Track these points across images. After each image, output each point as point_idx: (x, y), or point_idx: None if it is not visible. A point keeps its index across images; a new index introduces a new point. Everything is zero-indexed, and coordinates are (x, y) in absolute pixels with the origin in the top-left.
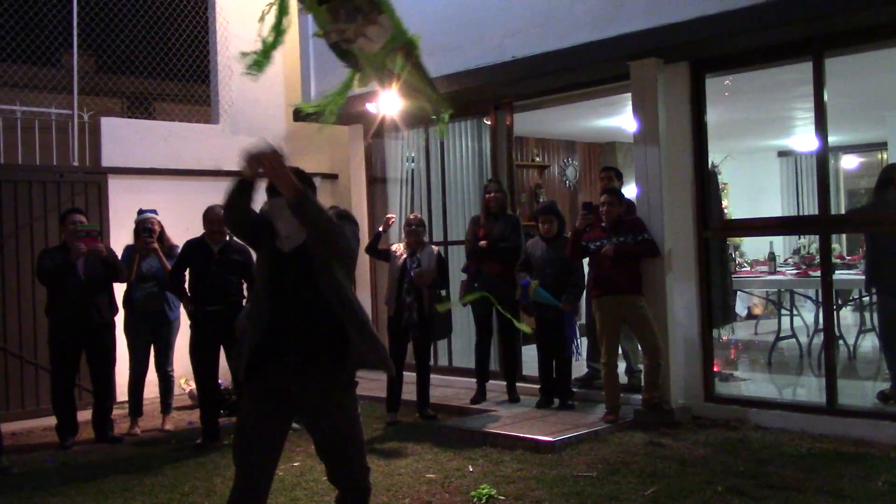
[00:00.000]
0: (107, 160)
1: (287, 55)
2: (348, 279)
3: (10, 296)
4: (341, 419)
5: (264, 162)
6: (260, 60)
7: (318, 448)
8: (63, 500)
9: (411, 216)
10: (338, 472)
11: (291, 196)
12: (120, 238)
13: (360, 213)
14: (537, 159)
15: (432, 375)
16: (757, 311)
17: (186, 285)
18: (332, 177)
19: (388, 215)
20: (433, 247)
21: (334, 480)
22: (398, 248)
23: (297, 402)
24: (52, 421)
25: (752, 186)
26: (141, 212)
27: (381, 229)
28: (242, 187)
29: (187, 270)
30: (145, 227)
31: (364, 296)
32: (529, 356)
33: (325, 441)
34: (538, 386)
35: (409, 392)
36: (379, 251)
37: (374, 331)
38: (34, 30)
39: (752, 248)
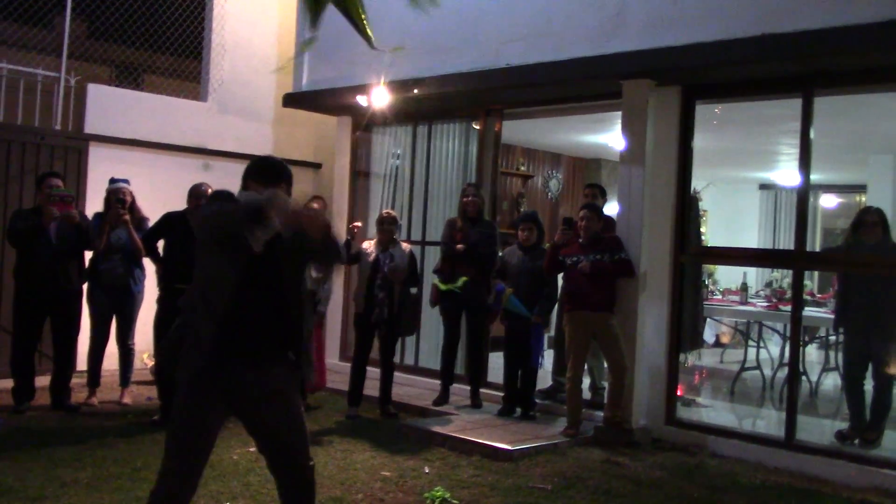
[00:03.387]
0: (90, 127)
1: (282, 40)
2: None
3: None
4: (290, 416)
5: (307, 226)
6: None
7: (262, 446)
8: (12, 464)
9: (384, 213)
10: (283, 469)
11: (323, 243)
12: (96, 206)
13: (342, 204)
14: (522, 168)
15: (397, 374)
16: (725, 339)
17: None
18: (315, 165)
19: (354, 223)
20: (405, 245)
21: (279, 478)
22: (369, 245)
23: (246, 396)
24: (8, 383)
25: (731, 216)
26: (113, 181)
27: (348, 237)
28: (255, 224)
29: (160, 243)
30: (118, 198)
31: (336, 292)
32: (496, 363)
33: (270, 438)
34: (502, 394)
35: (372, 388)
36: (351, 257)
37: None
38: None
39: (726, 276)
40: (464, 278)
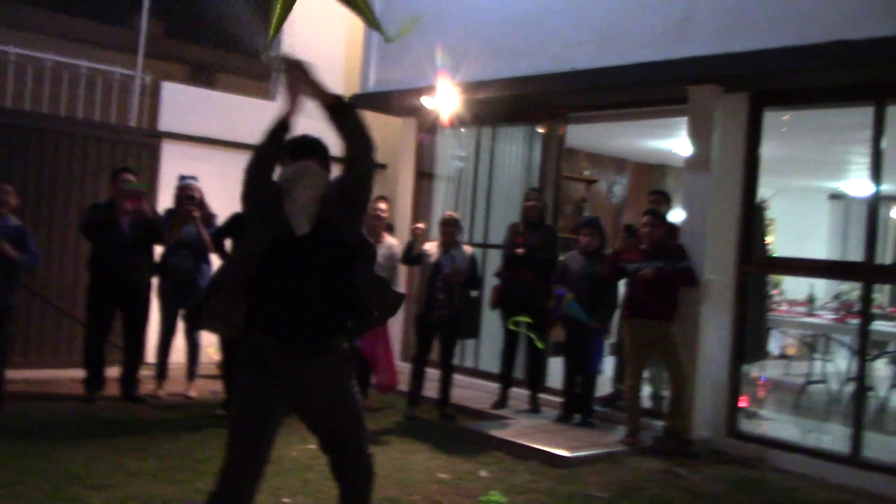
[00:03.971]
0: (163, 124)
1: (350, 41)
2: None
3: (56, 247)
4: (346, 406)
5: (301, 70)
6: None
7: (322, 440)
8: (80, 452)
9: (447, 215)
10: (342, 461)
11: (330, 99)
12: (168, 202)
13: (405, 205)
14: (586, 173)
15: (457, 376)
16: (790, 351)
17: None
18: (381, 166)
19: (417, 225)
20: (467, 247)
21: (338, 470)
22: (431, 246)
23: (299, 391)
24: (80, 373)
25: (800, 226)
26: (182, 178)
27: (411, 239)
28: (279, 131)
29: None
30: (187, 194)
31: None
32: (556, 368)
33: (329, 431)
34: (561, 399)
35: (431, 389)
36: (413, 257)
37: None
38: None
39: (793, 287)
40: (525, 318)
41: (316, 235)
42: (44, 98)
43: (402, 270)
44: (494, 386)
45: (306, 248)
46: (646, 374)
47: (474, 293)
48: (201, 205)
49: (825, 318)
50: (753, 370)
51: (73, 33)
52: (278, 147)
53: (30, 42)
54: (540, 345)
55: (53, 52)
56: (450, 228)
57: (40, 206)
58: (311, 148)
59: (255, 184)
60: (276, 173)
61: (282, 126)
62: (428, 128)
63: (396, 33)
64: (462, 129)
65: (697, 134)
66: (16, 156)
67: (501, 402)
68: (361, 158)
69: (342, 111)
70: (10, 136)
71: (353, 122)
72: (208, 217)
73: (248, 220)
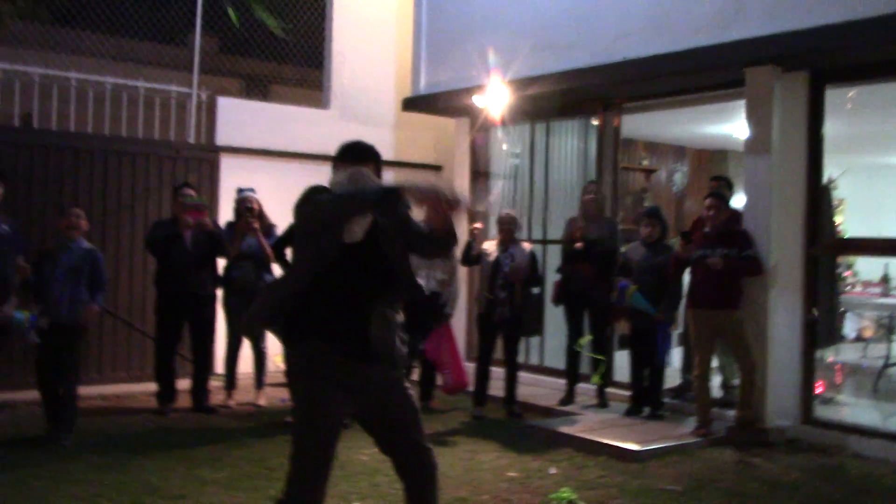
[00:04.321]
0: (221, 138)
1: (399, 45)
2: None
3: (123, 264)
4: (406, 405)
5: (443, 206)
6: None
7: (380, 441)
8: (155, 463)
9: (504, 213)
10: (404, 459)
11: (446, 236)
12: (228, 215)
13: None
14: (645, 163)
15: (522, 374)
16: (867, 333)
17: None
18: (436, 167)
19: (475, 225)
20: (526, 244)
21: (401, 468)
22: (490, 245)
23: (357, 394)
24: (153, 387)
25: (872, 204)
26: (240, 190)
27: (470, 239)
28: (391, 204)
29: (288, 251)
30: (246, 206)
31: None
32: (622, 362)
33: (390, 428)
34: (629, 393)
35: (497, 388)
36: (473, 258)
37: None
38: (161, 9)
39: (867, 268)
40: (588, 337)
41: (369, 243)
42: (105, 120)
43: (463, 271)
44: (561, 382)
45: (360, 255)
46: (715, 363)
47: (536, 290)
48: (260, 216)
49: None
50: (828, 355)
51: (131, 54)
52: (376, 213)
53: (89, 66)
54: (601, 369)
55: (112, 74)
56: (507, 226)
57: (106, 226)
58: (366, 154)
59: (334, 222)
60: (329, 178)
61: (400, 202)
62: (481, 127)
63: None
64: (515, 126)
65: (756, 117)
66: (81, 178)
67: (568, 397)
68: (432, 255)
69: (443, 240)
70: (75, 159)
71: (445, 244)
72: (268, 227)
73: (308, 235)
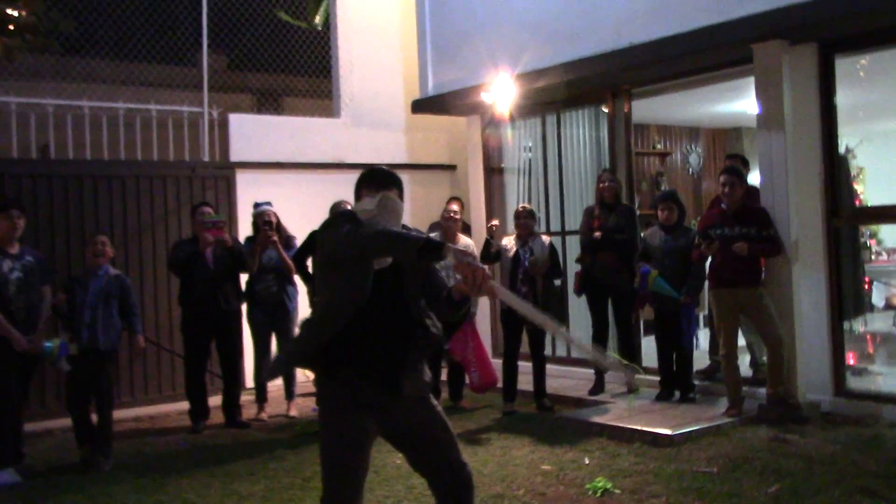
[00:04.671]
0: (235, 155)
1: (406, 48)
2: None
3: (148, 286)
4: (436, 423)
5: (476, 278)
6: None
7: (414, 461)
8: (193, 481)
9: (520, 207)
10: (441, 477)
11: (460, 304)
12: (247, 229)
13: (478, 202)
14: (658, 146)
15: (551, 366)
16: None
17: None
18: (450, 167)
19: (492, 222)
20: (544, 237)
21: (438, 487)
22: (509, 241)
23: (394, 419)
24: (185, 405)
25: (892, 170)
26: (257, 205)
27: (488, 237)
28: (430, 255)
29: (309, 261)
30: (264, 220)
31: None
32: (650, 347)
33: (423, 452)
34: (658, 378)
35: (526, 382)
36: (493, 255)
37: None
38: (168, 31)
39: (892, 235)
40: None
41: (395, 269)
42: (120, 145)
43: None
44: (589, 372)
45: (388, 282)
46: (742, 342)
47: (557, 282)
48: (279, 228)
49: None
50: (857, 325)
51: (141, 78)
52: (411, 258)
53: (101, 93)
54: (635, 392)
55: (124, 99)
56: (524, 220)
57: (129, 250)
58: (392, 180)
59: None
60: (355, 203)
61: (437, 254)
62: (492, 123)
63: None
64: (526, 120)
65: (767, 92)
66: (101, 204)
67: (598, 387)
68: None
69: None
70: (94, 186)
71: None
72: (287, 239)
73: (329, 263)
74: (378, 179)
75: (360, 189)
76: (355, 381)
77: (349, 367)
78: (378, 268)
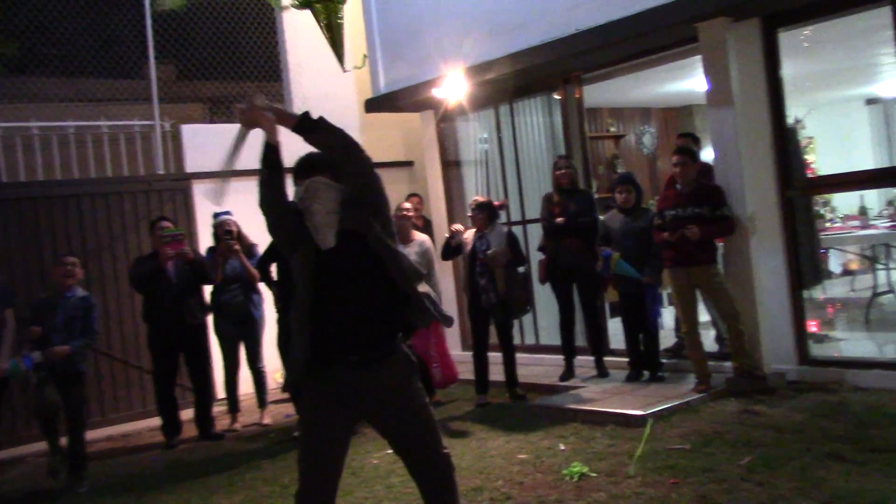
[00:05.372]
0: (190, 166)
1: (355, 47)
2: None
3: (111, 305)
4: (414, 409)
5: (247, 113)
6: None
7: (395, 445)
8: (170, 497)
9: (474, 199)
10: (419, 463)
11: (294, 121)
12: (207, 242)
13: (438, 197)
14: (612, 129)
15: (520, 355)
16: (853, 266)
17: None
18: (407, 164)
19: (453, 227)
20: (503, 226)
21: (417, 473)
22: (469, 235)
23: (364, 401)
24: (157, 421)
25: (841, 138)
26: (216, 215)
27: (448, 237)
28: (269, 154)
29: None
30: (224, 230)
31: (448, 284)
32: (617, 329)
33: (400, 434)
34: (627, 359)
35: (497, 373)
36: (452, 250)
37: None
38: (112, 44)
39: (845, 202)
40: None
41: (345, 247)
42: (72, 164)
43: (447, 265)
44: (559, 358)
45: (338, 261)
46: (706, 317)
47: (521, 269)
48: (240, 237)
49: (881, 227)
50: (816, 293)
51: (89, 94)
52: (275, 169)
53: (50, 112)
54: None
55: (73, 116)
56: (479, 213)
57: (90, 269)
58: (316, 164)
59: (273, 211)
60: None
61: (270, 149)
62: (445, 117)
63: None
64: (480, 112)
65: (714, 69)
66: (57, 225)
67: (568, 372)
68: (352, 165)
69: (309, 128)
70: (49, 207)
71: (326, 136)
72: (250, 248)
73: (284, 249)
74: (300, 169)
75: (295, 180)
76: (338, 374)
77: (313, 344)
78: (326, 248)
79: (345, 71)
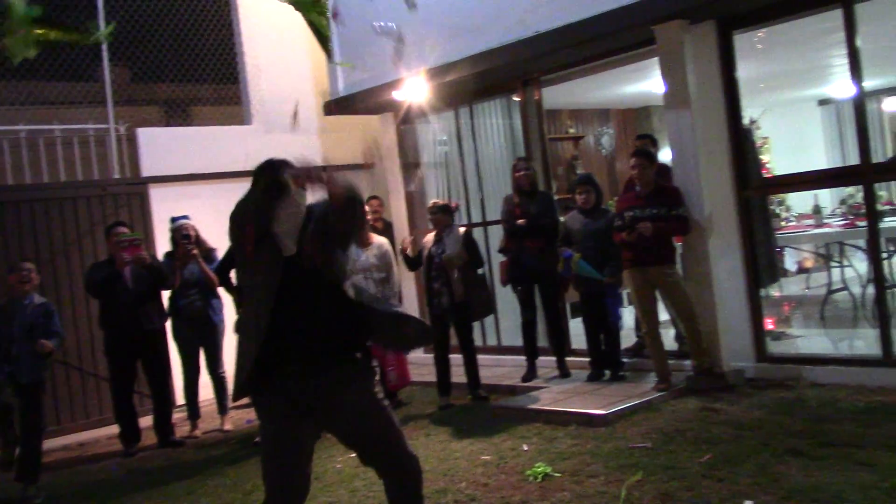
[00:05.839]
0: (146, 170)
1: (313, 50)
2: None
3: (66, 311)
4: (368, 414)
5: (315, 179)
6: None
7: (359, 454)
8: None
9: (431, 203)
10: (386, 466)
11: (344, 200)
12: (165, 246)
13: (398, 199)
14: (571, 131)
15: (483, 356)
16: (808, 264)
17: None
18: (367, 166)
19: (405, 239)
20: (460, 228)
21: (385, 477)
22: (427, 239)
23: (319, 410)
24: (115, 429)
25: (795, 138)
26: (174, 219)
27: (403, 248)
28: (280, 188)
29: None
30: (182, 234)
31: (410, 287)
32: (578, 329)
33: (361, 442)
34: (588, 359)
35: (460, 375)
36: (413, 261)
37: (395, 308)
38: (66, 46)
39: (800, 201)
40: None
41: (299, 257)
42: (25, 168)
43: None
44: (521, 359)
45: (293, 269)
46: (665, 317)
47: (480, 271)
48: (198, 242)
49: (835, 225)
50: (773, 291)
51: (42, 97)
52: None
53: (1, 115)
54: None
55: (25, 120)
56: (436, 216)
57: (44, 276)
58: (258, 175)
59: (262, 228)
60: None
61: (279, 190)
62: (405, 120)
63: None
64: (440, 114)
65: (671, 71)
66: (9, 231)
67: (531, 373)
68: (347, 231)
69: (353, 205)
70: (1, 213)
71: (352, 212)
72: (208, 252)
73: (241, 255)
74: (254, 180)
75: (253, 182)
76: (289, 384)
77: (281, 371)
78: (288, 255)
79: (332, 63)
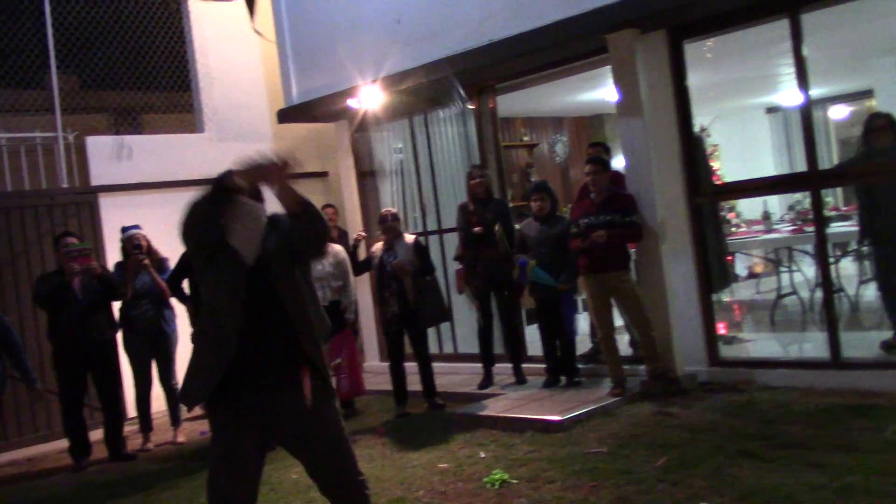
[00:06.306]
0: (96, 179)
1: (267, 57)
2: (306, 279)
3: (14, 323)
4: (327, 434)
5: (271, 174)
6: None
7: (308, 468)
8: None
9: (382, 212)
10: (333, 488)
11: (298, 206)
12: (115, 256)
13: (353, 207)
14: (525, 138)
15: (439, 364)
16: (758, 269)
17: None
18: (321, 174)
19: (359, 233)
20: (409, 236)
21: (331, 497)
22: (378, 247)
23: (276, 424)
24: (65, 443)
25: (744, 146)
26: (125, 229)
27: (354, 244)
28: (226, 196)
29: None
30: (133, 244)
31: (365, 295)
32: (534, 336)
33: (314, 460)
34: (544, 365)
35: (416, 383)
36: (363, 264)
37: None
38: (12, 53)
39: (749, 207)
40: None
41: (262, 267)
42: None
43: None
44: (477, 366)
45: (256, 281)
46: (620, 322)
47: (428, 278)
48: (150, 251)
49: (783, 231)
50: (724, 296)
51: None
52: (219, 202)
53: None
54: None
55: None
56: (387, 224)
57: None
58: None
59: (204, 234)
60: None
61: (226, 194)
62: (360, 128)
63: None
64: (394, 122)
65: (623, 80)
66: None
67: (487, 380)
68: (310, 243)
69: (307, 213)
70: None
71: (315, 220)
72: (160, 262)
73: (198, 265)
74: (222, 184)
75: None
76: (249, 398)
77: (241, 384)
78: (250, 262)
79: (254, 30)
